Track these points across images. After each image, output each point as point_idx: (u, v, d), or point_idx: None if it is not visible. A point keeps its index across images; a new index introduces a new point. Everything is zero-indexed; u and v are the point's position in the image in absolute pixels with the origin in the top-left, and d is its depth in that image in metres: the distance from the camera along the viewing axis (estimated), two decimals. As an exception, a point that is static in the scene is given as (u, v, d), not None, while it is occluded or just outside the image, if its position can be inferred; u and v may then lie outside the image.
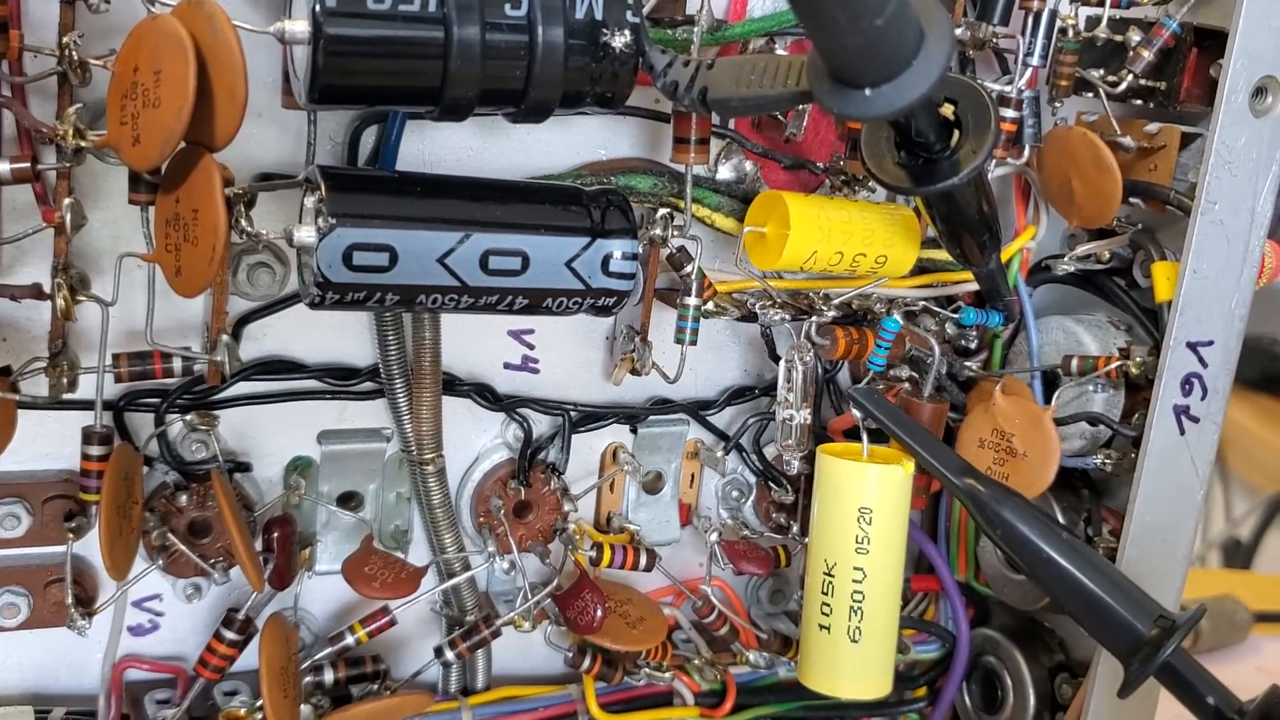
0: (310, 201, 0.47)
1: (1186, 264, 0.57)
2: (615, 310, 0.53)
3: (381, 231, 0.47)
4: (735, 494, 0.67)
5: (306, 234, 0.46)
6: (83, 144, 0.45)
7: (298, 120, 0.53)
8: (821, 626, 0.58)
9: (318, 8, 0.43)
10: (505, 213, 0.50)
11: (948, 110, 0.49)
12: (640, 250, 0.53)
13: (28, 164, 0.46)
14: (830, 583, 0.58)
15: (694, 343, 0.57)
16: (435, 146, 0.56)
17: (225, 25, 0.42)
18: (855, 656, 0.58)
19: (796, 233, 0.55)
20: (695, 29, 0.53)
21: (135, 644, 0.58)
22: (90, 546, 0.55)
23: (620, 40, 0.48)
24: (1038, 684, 0.68)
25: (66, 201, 0.47)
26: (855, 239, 0.56)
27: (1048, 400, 0.62)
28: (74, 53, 0.45)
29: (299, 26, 0.44)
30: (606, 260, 0.51)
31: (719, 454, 0.65)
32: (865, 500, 0.57)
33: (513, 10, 0.46)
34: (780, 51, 0.57)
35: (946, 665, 0.70)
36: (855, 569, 0.57)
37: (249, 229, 0.46)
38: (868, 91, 0.41)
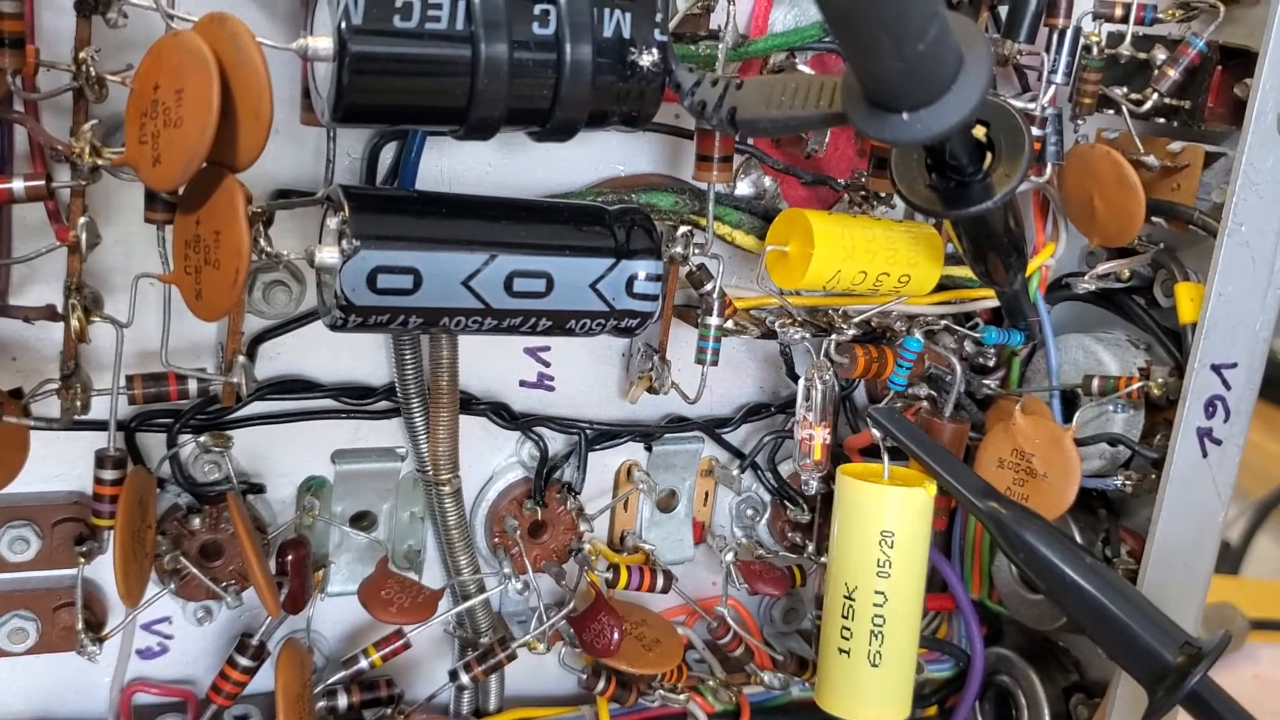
0: (333, 222, 0.46)
1: (1212, 286, 0.56)
2: (638, 331, 0.52)
3: (406, 254, 0.46)
4: (750, 512, 0.67)
5: (329, 255, 0.45)
6: (99, 162, 0.44)
7: (315, 136, 0.52)
8: (841, 650, 0.57)
9: (343, 25, 0.42)
10: (530, 234, 0.49)
11: (979, 132, 0.48)
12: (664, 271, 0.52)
13: (42, 182, 0.45)
14: (851, 606, 0.57)
15: (715, 363, 0.56)
16: (454, 163, 0.55)
17: (250, 43, 0.41)
18: (875, 680, 0.57)
19: (821, 251, 0.54)
20: (720, 45, 0.52)
21: (144, 667, 0.57)
22: (99, 568, 0.54)
23: (648, 59, 0.47)
24: (1053, 704, 0.67)
25: (82, 220, 0.45)
26: (879, 258, 0.56)
27: (1066, 420, 0.62)
28: (91, 68, 0.44)
29: (323, 44, 0.43)
30: (631, 281, 0.50)
31: (734, 472, 0.64)
32: (887, 524, 0.56)
33: (540, 29, 0.45)
34: (801, 67, 0.57)
35: (959, 684, 0.70)
36: (876, 593, 0.56)
37: (269, 249, 0.45)
38: (905, 116, 0.40)
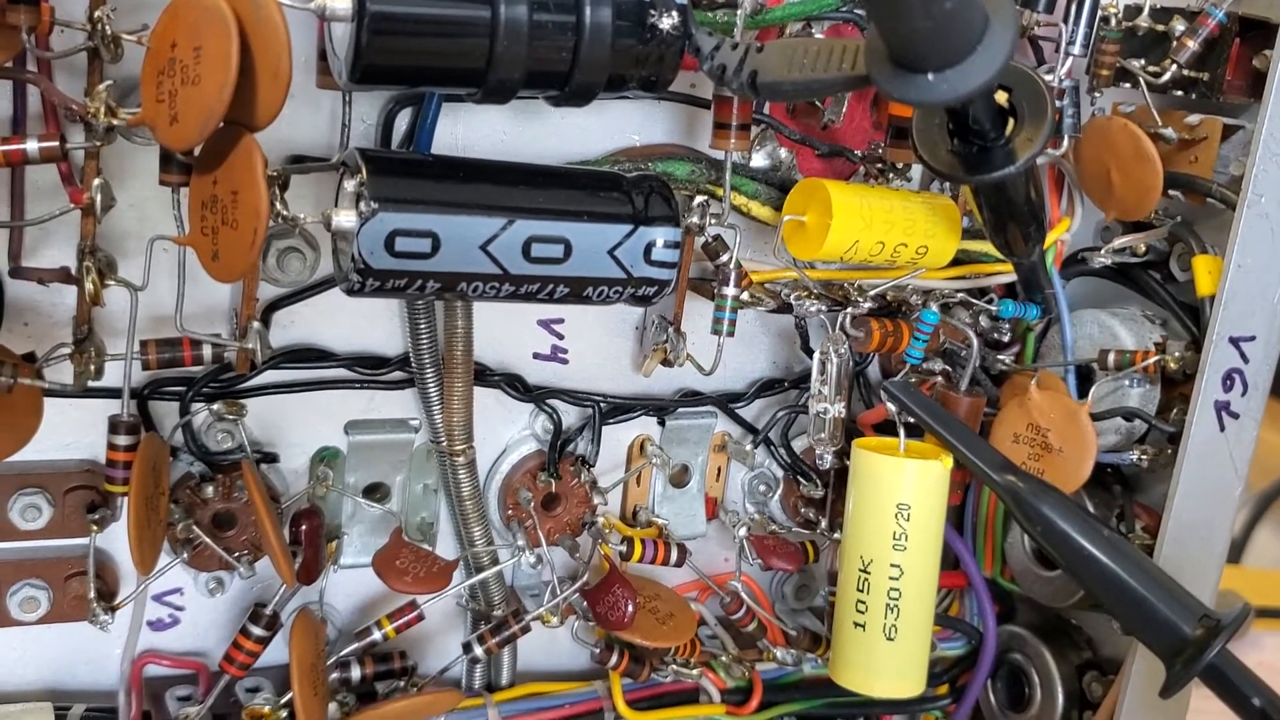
0: (350, 185, 0.46)
1: (1231, 258, 0.56)
2: (655, 300, 0.52)
3: (424, 217, 0.45)
4: (762, 488, 0.66)
5: (346, 219, 0.45)
6: (115, 122, 0.44)
7: (330, 101, 0.51)
8: (856, 624, 0.57)
9: (362, -16, 0.42)
10: (548, 199, 0.48)
11: (1001, 98, 0.48)
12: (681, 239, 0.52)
13: (56, 143, 0.44)
14: (866, 580, 0.57)
15: (731, 334, 0.55)
16: (468, 130, 0.54)
17: (269, 1, 0.40)
18: (891, 654, 0.57)
19: (839, 221, 0.54)
20: (739, 11, 0.52)
21: (155, 639, 0.56)
22: (109, 538, 0.53)
23: (668, 22, 0.47)
24: (1066, 681, 0.67)
25: (96, 182, 0.45)
26: (897, 229, 0.55)
27: (1082, 395, 0.61)
28: (106, 27, 0.44)
29: (341, 3, 0.43)
30: (649, 248, 0.50)
31: (747, 447, 0.64)
32: (903, 496, 0.56)
33: (560, -10, 0.45)
34: (817, 35, 0.56)
35: (972, 662, 0.70)
36: (892, 566, 0.56)
37: (285, 213, 0.44)
38: (931, 76, 0.40)
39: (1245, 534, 1.74)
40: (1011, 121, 0.48)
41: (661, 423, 0.63)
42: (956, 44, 0.39)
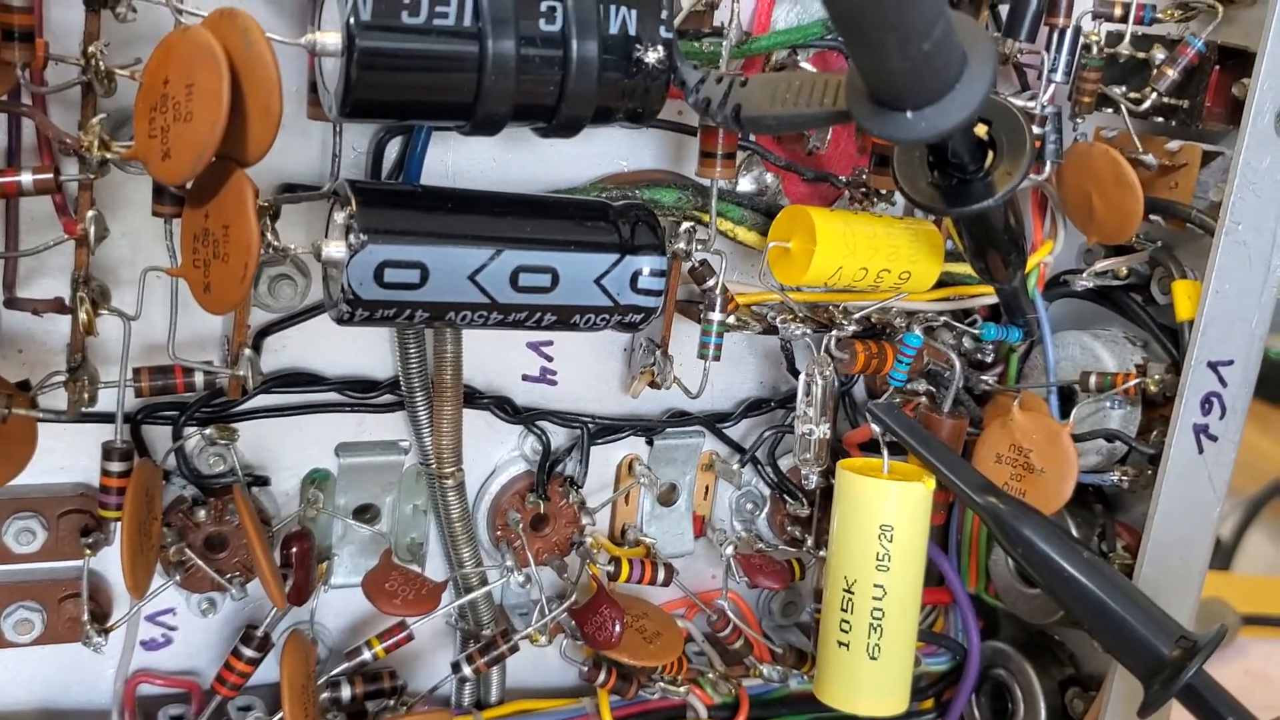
0: (340, 217, 0.46)
1: (1209, 284, 0.57)
2: (641, 327, 0.53)
3: (413, 248, 0.46)
4: (749, 506, 0.67)
5: (336, 250, 0.46)
6: (108, 155, 0.44)
7: (321, 130, 0.52)
8: (840, 643, 0.58)
9: (351, 20, 0.43)
10: (535, 229, 0.49)
11: (981, 130, 0.49)
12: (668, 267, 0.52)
13: (50, 175, 0.45)
14: (850, 599, 0.57)
15: (718, 359, 0.56)
16: (458, 158, 0.55)
17: (260, 39, 0.41)
18: (874, 673, 0.58)
19: (823, 248, 0.54)
20: (724, 42, 0.53)
21: (148, 659, 0.57)
22: (103, 560, 0.54)
23: (653, 56, 0.48)
24: (1048, 697, 0.68)
25: (90, 214, 0.46)
26: (880, 255, 0.56)
27: (1063, 416, 0.62)
28: (100, 62, 0.44)
29: (331, 39, 0.43)
30: (635, 277, 0.51)
31: (734, 466, 0.65)
32: (886, 518, 0.57)
33: (547, 25, 0.46)
34: (803, 64, 0.57)
35: (956, 677, 0.70)
36: (875, 586, 0.57)
37: (276, 244, 0.45)
38: (909, 114, 0.41)
39: (1236, 539, 1.75)
40: (991, 154, 0.49)
41: (650, 443, 0.64)
42: (934, 83, 0.40)
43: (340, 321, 0.47)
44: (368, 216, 0.46)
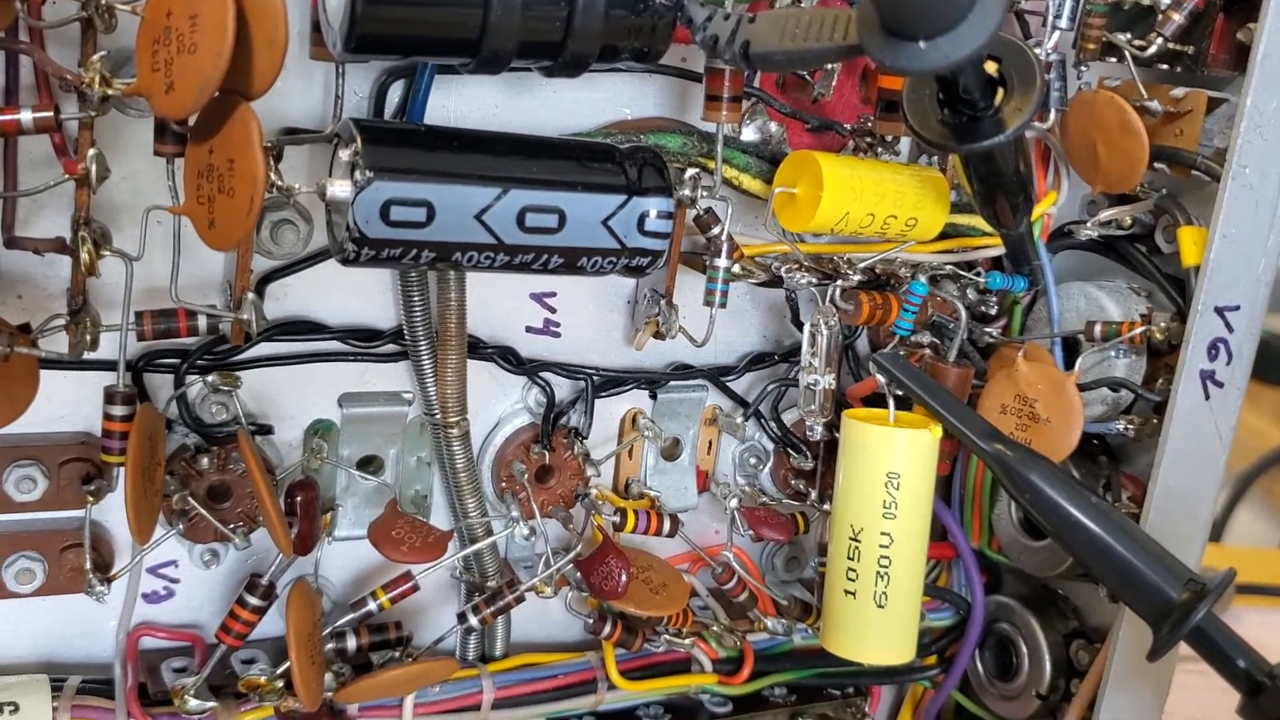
0: (345, 155, 0.46)
1: (1216, 228, 0.56)
2: (647, 271, 0.52)
3: (420, 186, 0.46)
4: (753, 460, 0.67)
5: (341, 188, 0.45)
6: (110, 92, 0.44)
7: (323, 73, 0.51)
8: (847, 592, 0.58)
9: (357, -47, 0.42)
10: (542, 169, 0.49)
11: (991, 68, 0.48)
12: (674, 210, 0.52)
13: (50, 113, 0.44)
14: (856, 548, 0.57)
15: (724, 305, 0.56)
16: (460, 103, 0.54)
17: (264, -32, 0.40)
18: (881, 621, 0.57)
19: (829, 193, 0.54)
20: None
21: (150, 611, 0.57)
22: (104, 510, 0.53)
23: (660, -7, 0.47)
24: (1053, 650, 0.68)
25: (91, 153, 0.45)
26: (887, 200, 0.56)
27: (1068, 366, 0.62)
28: (100, -4, 0.44)
29: (336, -28, 0.43)
30: (642, 219, 0.50)
31: (738, 420, 0.64)
32: (893, 465, 0.56)
33: (554, -40, 0.45)
34: (806, 4, 0.57)
35: (960, 632, 0.70)
36: (882, 534, 0.57)
37: (280, 183, 0.44)
38: (922, 44, 0.40)
39: (1225, 514, 1.76)
40: (1001, 91, 0.48)
41: (653, 396, 0.63)
42: (947, 11, 0.40)
43: (345, 262, 0.47)
44: (373, 154, 0.45)
